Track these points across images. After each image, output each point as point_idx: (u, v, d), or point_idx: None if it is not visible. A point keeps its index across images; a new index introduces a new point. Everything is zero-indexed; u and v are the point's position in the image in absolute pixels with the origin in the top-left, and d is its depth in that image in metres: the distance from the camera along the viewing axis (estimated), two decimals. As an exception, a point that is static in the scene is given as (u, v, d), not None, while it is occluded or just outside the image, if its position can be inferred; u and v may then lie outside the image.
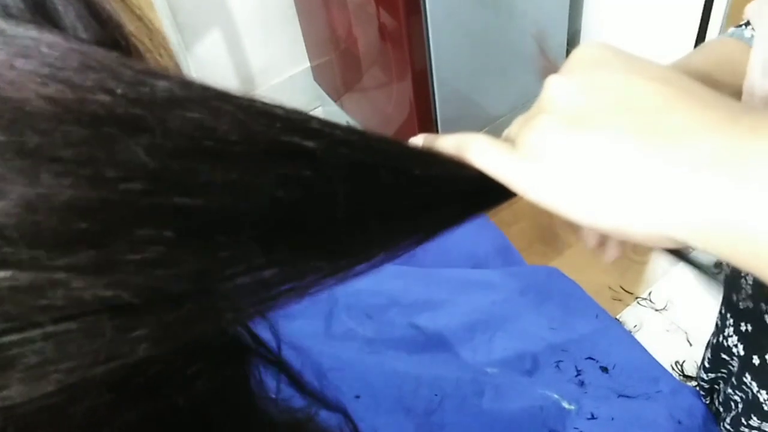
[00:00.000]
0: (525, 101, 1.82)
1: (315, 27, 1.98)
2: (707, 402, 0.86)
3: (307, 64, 2.15)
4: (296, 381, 0.31)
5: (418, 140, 0.33)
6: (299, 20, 2.03)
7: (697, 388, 0.85)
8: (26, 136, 0.16)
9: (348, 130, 0.23)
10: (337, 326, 0.58)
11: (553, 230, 1.75)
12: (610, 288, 1.63)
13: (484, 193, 0.31)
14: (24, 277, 0.16)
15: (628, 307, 1.60)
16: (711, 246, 0.25)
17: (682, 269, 1.65)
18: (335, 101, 2.08)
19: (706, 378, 0.85)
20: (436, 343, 0.63)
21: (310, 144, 0.21)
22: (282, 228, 0.21)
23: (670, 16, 1.60)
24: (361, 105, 2.00)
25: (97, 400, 0.19)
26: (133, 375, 0.20)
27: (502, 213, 1.77)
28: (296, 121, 0.21)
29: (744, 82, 0.45)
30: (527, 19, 1.74)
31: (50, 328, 0.17)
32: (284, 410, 0.31)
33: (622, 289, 1.63)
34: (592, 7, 1.86)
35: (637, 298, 1.61)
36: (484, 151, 0.30)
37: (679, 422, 0.68)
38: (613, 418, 0.63)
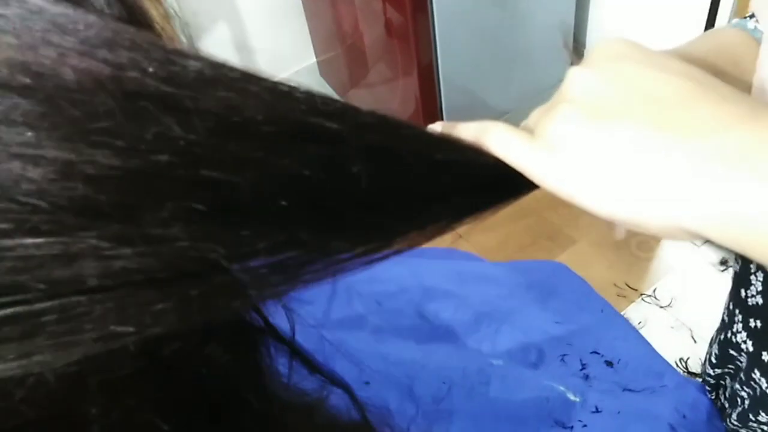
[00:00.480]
0: (531, 97, 1.82)
1: (321, 22, 1.99)
2: (713, 397, 0.86)
3: (314, 59, 2.15)
4: (306, 360, 0.32)
5: (437, 127, 0.33)
6: (305, 15, 2.03)
7: (702, 384, 0.85)
8: (63, 107, 0.17)
9: (371, 114, 0.24)
10: (348, 312, 0.59)
11: (558, 227, 1.76)
12: (614, 285, 1.63)
13: (503, 183, 0.31)
14: (55, 245, 0.16)
15: (633, 304, 1.60)
16: (727, 239, 0.25)
17: (687, 266, 1.65)
18: (341, 96, 2.08)
19: (712, 374, 0.86)
20: (442, 333, 0.64)
21: (333, 126, 0.22)
22: (304, 209, 0.21)
23: (678, 11, 1.59)
24: (367, 100, 2.00)
25: (116, 373, 0.20)
26: (152, 350, 0.20)
27: (507, 209, 1.77)
28: (320, 104, 0.22)
29: (754, 78, 0.45)
30: (533, 15, 1.74)
31: (79, 298, 0.17)
32: (296, 394, 0.31)
33: (627, 285, 1.63)
34: (599, 3, 1.86)
35: (641, 294, 1.61)
36: (503, 139, 0.30)
37: (684, 416, 0.68)
38: (618, 412, 0.64)
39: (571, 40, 1.84)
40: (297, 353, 0.31)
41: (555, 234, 1.75)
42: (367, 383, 0.52)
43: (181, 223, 0.18)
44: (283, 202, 0.20)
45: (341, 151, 0.22)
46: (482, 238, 1.75)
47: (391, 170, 0.24)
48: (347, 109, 0.23)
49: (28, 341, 0.17)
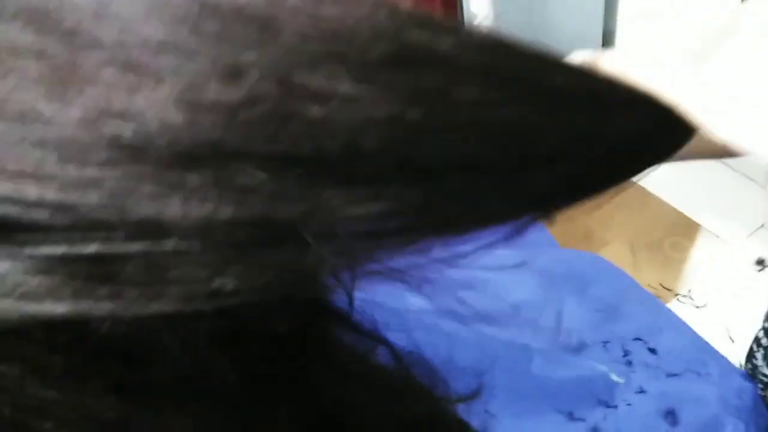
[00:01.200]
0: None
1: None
2: (763, 395, 0.85)
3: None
4: (346, 320, 0.30)
5: (576, 58, 0.27)
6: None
7: (746, 372, 0.84)
8: (179, 31, 0.16)
9: (483, 31, 0.20)
10: (387, 290, 0.59)
11: (591, 228, 1.75)
12: (649, 285, 1.60)
13: (661, 133, 0.25)
14: (143, 181, 0.16)
15: (668, 305, 1.58)
16: None
17: (723, 266, 1.63)
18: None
19: (767, 373, 0.84)
20: (483, 317, 0.64)
21: (440, 45, 0.19)
22: (397, 171, 0.18)
23: (707, 14, 1.58)
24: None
25: (190, 334, 0.19)
26: (225, 313, 0.19)
27: (538, 211, 1.76)
28: (424, 18, 0.19)
29: None
30: (561, 16, 1.74)
31: (162, 244, 0.16)
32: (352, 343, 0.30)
33: (662, 286, 1.61)
34: (627, 5, 1.85)
35: (676, 295, 1.59)
36: (667, 70, 0.24)
37: (729, 402, 0.67)
38: (663, 393, 0.63)
39: (600, 41, 1.84)
40: (344, 319, 0.30)
41: (588, 236, 1.74)
42: (410, 352, 0.52)
43: (267, 176, 0.17)
44: (374, 163, 0.18)
45: (449, 81, 0.19)
46: (513, 241, 1.74)
47: (508, 104, 0.20)
48: (456, 24, 0.20)
49: (110, 283, 0.16)
